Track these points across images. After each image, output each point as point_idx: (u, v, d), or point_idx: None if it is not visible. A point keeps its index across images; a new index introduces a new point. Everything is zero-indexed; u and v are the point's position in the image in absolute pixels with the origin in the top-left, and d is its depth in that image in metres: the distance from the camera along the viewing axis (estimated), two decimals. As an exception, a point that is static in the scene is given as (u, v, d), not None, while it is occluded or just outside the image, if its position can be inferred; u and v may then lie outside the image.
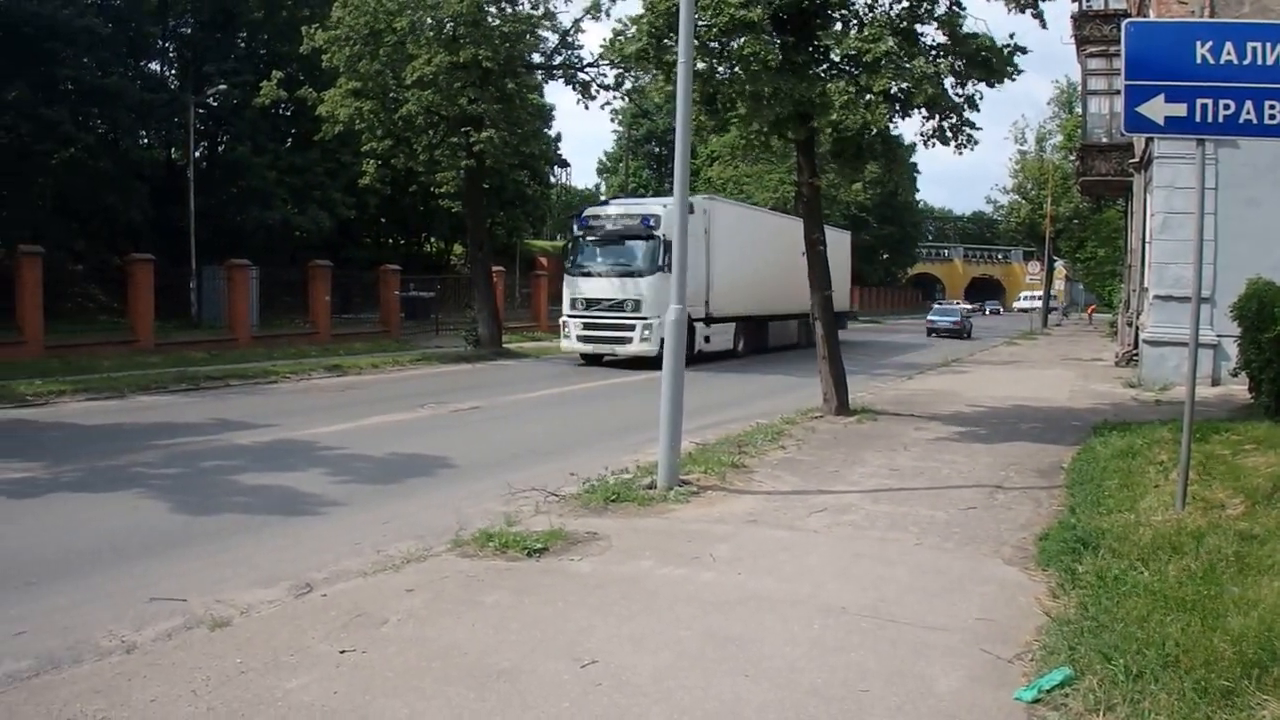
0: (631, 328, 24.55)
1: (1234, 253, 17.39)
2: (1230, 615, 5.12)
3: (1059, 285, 75.04)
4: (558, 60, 33.20)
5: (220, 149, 43.13)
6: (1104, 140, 27.05)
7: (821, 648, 5.34)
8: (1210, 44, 7.56)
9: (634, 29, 13.53)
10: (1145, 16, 19.76)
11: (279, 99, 31.06)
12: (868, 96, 12.76)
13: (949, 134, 13.64)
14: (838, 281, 36.73)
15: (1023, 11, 13.11)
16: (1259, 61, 7.47)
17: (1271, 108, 7.48)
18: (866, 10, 13.51)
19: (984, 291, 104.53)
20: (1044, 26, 13.66)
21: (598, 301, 25.34)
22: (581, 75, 32.60)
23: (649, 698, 4.68)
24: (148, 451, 11.90)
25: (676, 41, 10.18)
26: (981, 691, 4.80)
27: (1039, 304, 66.16)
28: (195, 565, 7.18)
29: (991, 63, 13.05)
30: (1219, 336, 17.59)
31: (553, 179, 54.19)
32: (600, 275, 25.61)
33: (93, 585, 6.67)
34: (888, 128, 13.44)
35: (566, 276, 26.56)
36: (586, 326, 25.40)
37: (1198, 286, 8.23)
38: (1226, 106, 7.56)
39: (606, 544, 7.41)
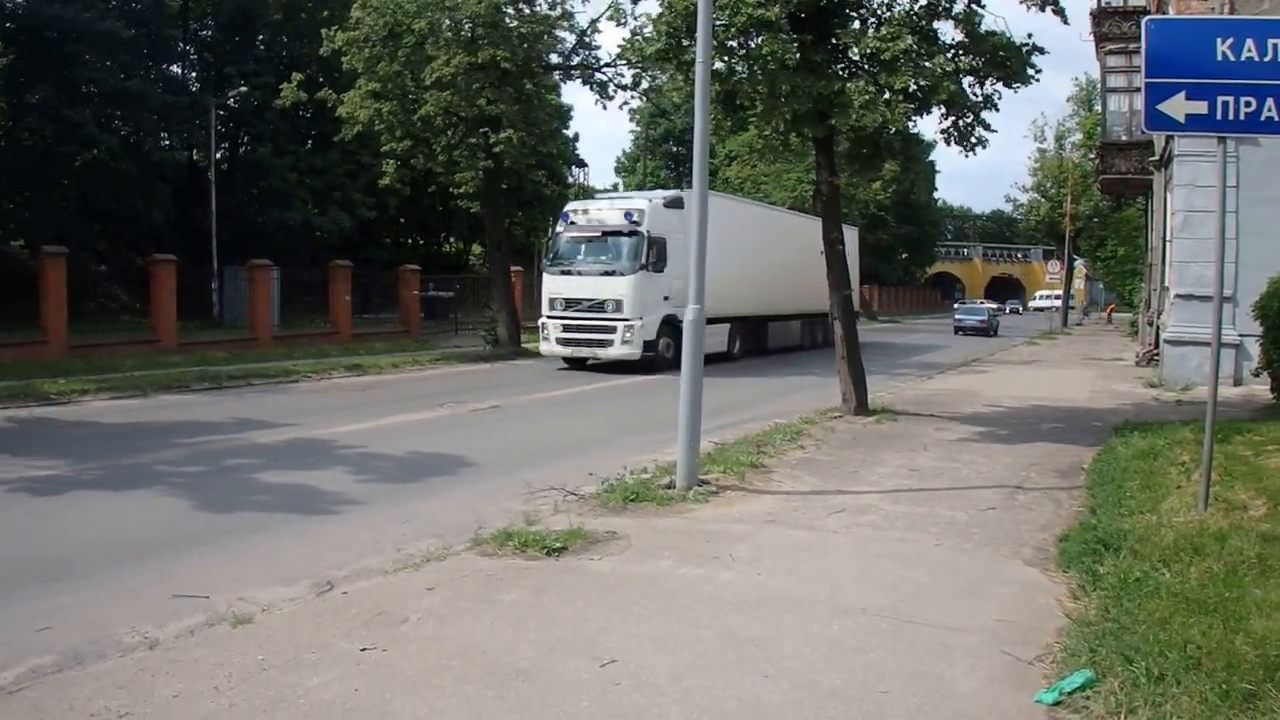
0: (612, 329, 23.09)
1: (1256, 251, 17.28)
2: (1252, 618, 5.10)
3: (1079, 284, 74.59)
4: (575, 60, 33.24)
5: (241, 150, 43.33)
6: (1124, 138, 26.92)
7: (841, 648, 5.34)
8: (1231, 41, 7.52)
9: (652, 29, 13.53)
10: (1165, 13, 19.63)
11: (299, 100, 31.18)
12: (886, 95, 12.74)
13: (961, 134, 13.55)
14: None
15: (1043, 10, 13.03)
16: (1280, 58, 7.42)
17: (1293, 105, 7.44)
18: (884, 8, 13.47)
19: (1004, 290, 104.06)
20: (1065, 22, 13.53)
21: (577, 302, 23.87)
22: (599, 75, 32.65)
23: (668, 697, 4.69)
24: (170, 450, 11.98)
25: (695, 41, 10.17)
26: (1002, 693, 4.78)
27: (1055, 303, 65.83)
28: (217, 562, 7.24)
29: (1009, 63, 12.98)
30: (1241, 336, 17.48)
31: (571, 179, 54.13)
32: (580, 274, 24.12)
33: (115, 582, 6.73)
34: (906, 126, 13.41)
35: (545, 275, 25.21)
36: (566, 328, 23.97)
37: (1219, 285, 8.18)
38: (1248, 104, 7.51)
39: (626, 543, 7.42)
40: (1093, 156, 35.16)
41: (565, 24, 30.98)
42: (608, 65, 32.66)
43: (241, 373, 20.71)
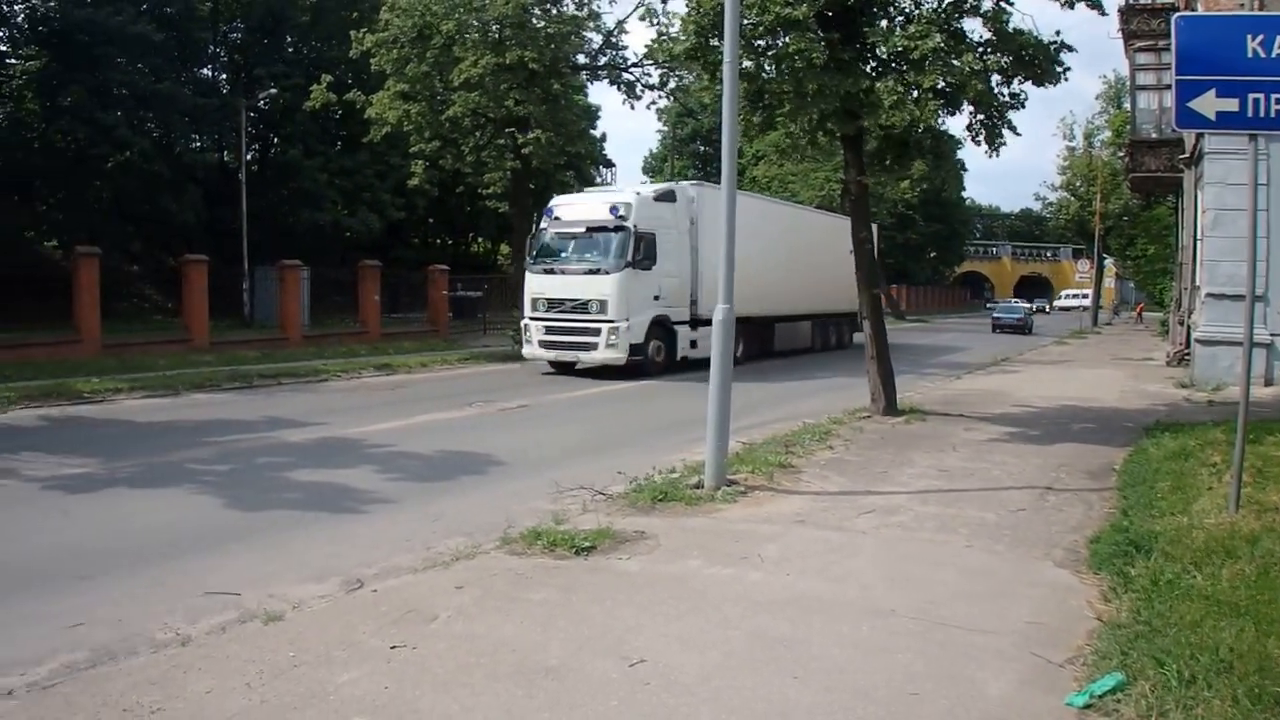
0: (596, 332, 21.36)
1: (1288, 250, 17.09)
2: (1284, 619, 5.06)
3: (1109, 283, 74.01)
4: (602, 61, 33.36)
5: (272, 152, 43.71)
6: (1153, 136, 26.65)
7: (870, 650, 5.33)
8: (1261, 37, 7.45)
9: (680, 28, 13.53)
10: (1193, 10, 19.48)
11: (328, 102, 31.44)
12: (915, 93, 12.69)
13: (989, 132, 13.46)
14: None
15: (1071, 7, 12.92)
16: (1312, 55, 7.36)
17: (1325, 102, 7.37)
18: (912, 6, 13.41)
19: (1033, 289, 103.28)
20: (1103, 13, 13.38)
21: (560, 302, 22.11)
22: (626, 75, 32.75)
23: (697, 697, 4.69)
24: (201, 448, 12.09)
25: (722, 40, 10.16)
26: (1032, 696, 4.76)
27: (1082, 302, 65.33)
28: (248, 560, 7.30)
29: (1037, 62, 12.89)
30: (1273, 335, 17.33)
31: (598, 179, 54.20)
32: (563, 272, 22.33)
33: (148, 579, 6.79)
34: (935, 123, 13.35)
35: (527, 274, 23.32)
36: (549, 330, 22.25)
37: (1251, 284, 8.11)
38: (1279, 101, 7.44)
39: (654, 543, 7.43)
40: (1122, 154, 34.87)
41: (592, 24, 31.10)
42: (635, 65, 32.81)
43: (272, 372, 20.88)
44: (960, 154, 73.30)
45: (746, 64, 13.01)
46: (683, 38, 13.40)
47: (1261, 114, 7.50)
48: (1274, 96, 7.43)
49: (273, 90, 38.94)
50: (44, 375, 18.17)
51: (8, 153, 35.04)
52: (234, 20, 43.65)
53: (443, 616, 5.79)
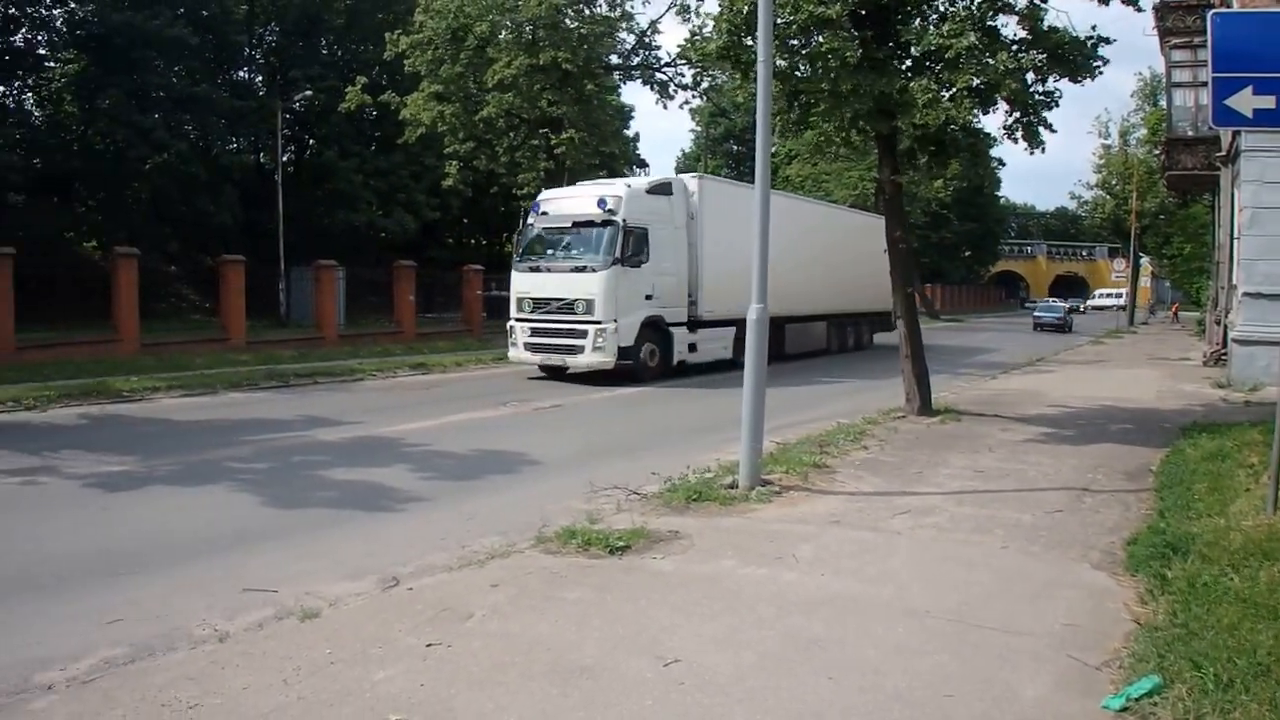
0: (583, 334, 19.99)
1: (1326, 248, 16.91)
2: (1323, 623, 5.01)
3: (1145, 282, 73.25)
4: (635, 61, 33.41)
5: (307, 153, 44.08)
6: (1189, 133, 26.39)
7: (905, 651, 5.31)
8: (1299, 34, 7.37)
9: (712, 28, 13.52)
10: (1230, 6, 19.26)
11: (363, 103, 31.66)
12: (949, 92, 12.62)
13: (1025, 130, 13.35)
14: (882, 276, 33.17)
15: (1106, 4, 12.79)
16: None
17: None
18: (946, 4, 13.33)
19: (1068, 288, 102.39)
20: (1139, 9, 13.24)
21: (546, 302, 20.72)
22: (659, 75, 32.78)
23: (731, 698, 4.70)
24: (239, 446, 12.19)
25: (755, 39, 10.14)
26: (1068, 699, 4.73)
27: (1115, 301, 64.75)
28: (285, 557, 7.36)
29: (1074, 59, 12.77)
30: (1311, 334, 17.10)
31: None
32: (549, 270, 20.98)
33: (186, 575, 6.86)
34: (971, 121, 13.26)
35: (513, 272, 21.97)
36: (534, 332, 20.86)
37: (1291, 284, 8.02)
38: (1317, 98, 7.36)
39: (688, 543, 7.43)
40: (1158, 152, 34.51)
41: (625, 25, 31.16)
42: (668, 65, 32.82)
43: (308, 371, 21.05)
44: (996, 151, 72.65)
45: (780, 63, 12.97)
46: (715, 37, 13.38)
47: (1300, 111, 7.42)
48: (1312, 94, 7.36)
49: (308, 92, 39.30)
50: (83, 374, 18.42)
51: (47, 154, 35.60)
52: (270, 23, 44.08)
53: (478, 615, 5.82)
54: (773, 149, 10.31)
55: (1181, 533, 7.17)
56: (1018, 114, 13.24)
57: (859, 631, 5.60)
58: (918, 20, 13.34)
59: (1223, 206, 25.45)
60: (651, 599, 6.12)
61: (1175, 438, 12.51)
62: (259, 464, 11.11)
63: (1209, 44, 7.76)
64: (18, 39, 36.09)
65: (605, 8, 30.44)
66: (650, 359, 20.87)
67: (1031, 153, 13.46)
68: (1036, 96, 13.15)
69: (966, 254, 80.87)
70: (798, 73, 13.53)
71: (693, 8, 29.94)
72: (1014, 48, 12.89)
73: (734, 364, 21.91)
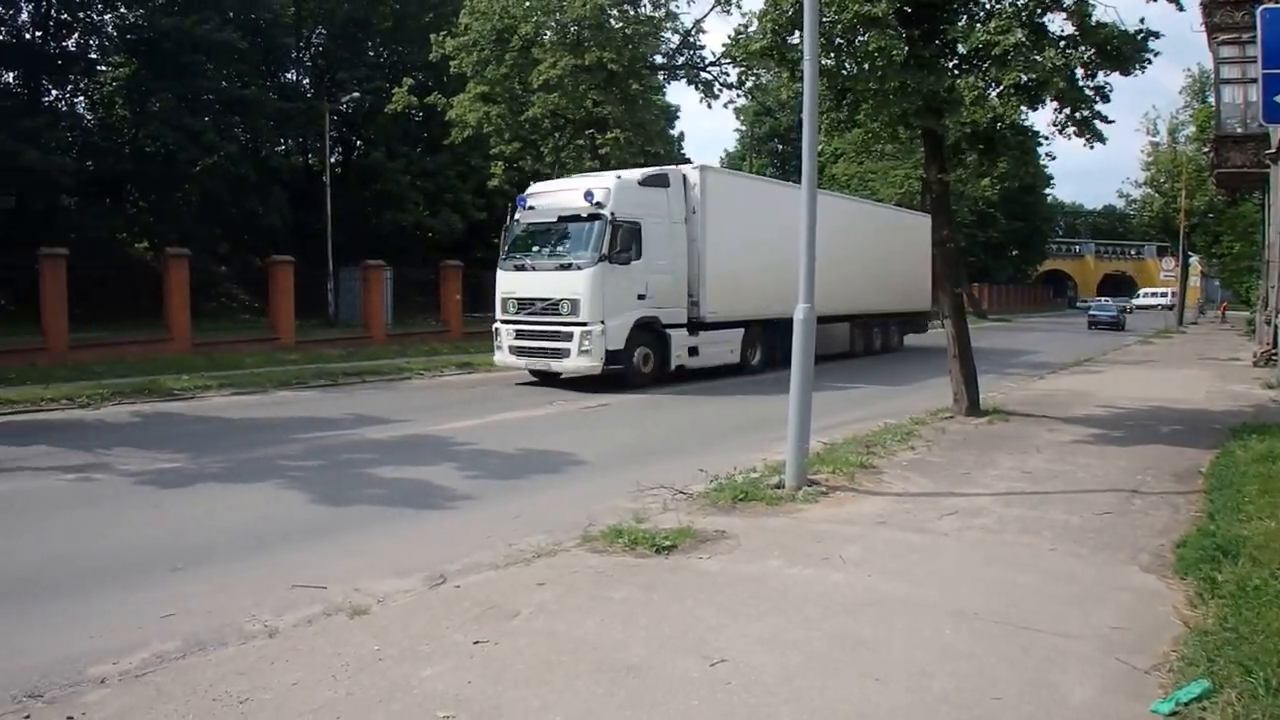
0: (568, 336, 18.61)
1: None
2: (1377, 627, 4.89)
3: (1194, 282, 72.16)
4: (680, 60, 33.37)
5: (355, 154, 44.46)
6: (1238, 131, 26.01)
7: (952, 653, 5.26)
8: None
9: (757, 26, 13.45)
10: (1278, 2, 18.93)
11: (410, 105, 31.88)
12: (997, 89, 12.49)
13: (1080, 125, 13.16)
14: (919, 275, 31.04)
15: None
16: None
17: None
18: (993, 2, 13.18)
19: (1116, 288, 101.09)
20: (1180, 9, 13.02)
21: (530, 303, 19.40)
22: (704, 74, 32.72)
23: (778, 698, 4.67)
24: (288, 445, 12.32)
25: (800, 37, 10.07)
26: (1116, 703, 4.66)
27: (1162, 300, 63.96)
28: (333, 554, 7.40)
29: (1122, 52, 12.58)
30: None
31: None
32: (534, 269, 19.60)
33: (236, 571, 6.93)
34: (1019, 118, 13.10)
35: (498, 270, 20.49)
36: (519, 335, 19.57)
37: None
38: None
39: (735, 543, 7.40)
40: (1206, 150, 34.01)
41: (669, 24, 31.14)
42: (712, 64, 32.76)
43: (356, 370, 21.23)
44: (1045, 147, 71.84)
45: (826, 61, 12.88)
46: (759, 36, 13.31)
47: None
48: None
49: (355, 94, 39.71)
50: (136, 373, 18.72)
51: (99, 157, 36.19)
52: (317, 26, 44.52)
53: (524, 613, 5.82)
54: (819, 148, 10.15)
55: (1232, 535, 7.03)
56: (1068, 110, 13.07)
57: (906, 633, 5.55)
58: (964, 18, 13.21)
59: (1273, 204, 25.02)
60: (698, 599, 6.10)
61: (1225, 439, 12.28)
62: (308, 462, 11.21)
63: (1258, 40, 7.66)
64: (70, 43, 36.82)
65: (649, 7, 30.43)
66: (643, 364, 19.59)
67: (1091, 146, 13.27)
68: (1086, 92, 12.98)
69: (1014, 253, 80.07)
70: (844, 71, 13.44)
71: (734, 4, 29.94)
72: (1062, 44, 12.73)
73: (744, 368, 22.15)
